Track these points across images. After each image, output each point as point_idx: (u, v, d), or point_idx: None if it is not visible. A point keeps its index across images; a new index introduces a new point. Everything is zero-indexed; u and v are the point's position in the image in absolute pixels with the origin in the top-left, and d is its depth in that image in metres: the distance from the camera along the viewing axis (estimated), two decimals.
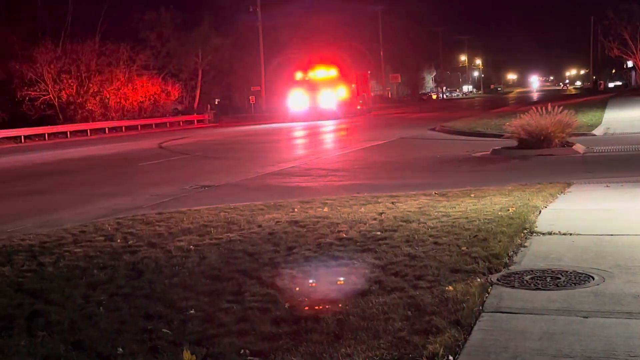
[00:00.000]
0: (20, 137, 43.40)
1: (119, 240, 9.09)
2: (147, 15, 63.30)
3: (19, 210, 13.83)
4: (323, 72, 56.41)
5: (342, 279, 6.61)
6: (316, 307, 5.77)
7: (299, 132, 39.95)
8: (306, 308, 5.78)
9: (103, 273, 7.34)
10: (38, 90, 51.25)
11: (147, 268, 7.46)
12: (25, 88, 50.66)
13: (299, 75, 56.70)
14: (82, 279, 7.12)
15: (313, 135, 36.62)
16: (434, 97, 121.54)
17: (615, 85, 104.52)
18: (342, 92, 56.43)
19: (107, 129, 50.89)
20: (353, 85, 59.39)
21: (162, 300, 6.23)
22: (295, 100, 55.17)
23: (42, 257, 8.28)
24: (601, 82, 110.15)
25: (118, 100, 56.76)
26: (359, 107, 59.42)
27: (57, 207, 13.88)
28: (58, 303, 6.32)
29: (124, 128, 52.48)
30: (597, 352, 4.54)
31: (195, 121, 62.47)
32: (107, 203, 14.10)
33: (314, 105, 54.32)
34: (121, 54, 56.89)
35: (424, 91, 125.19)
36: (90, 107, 54.04)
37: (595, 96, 68.08)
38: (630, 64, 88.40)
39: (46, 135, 45.27)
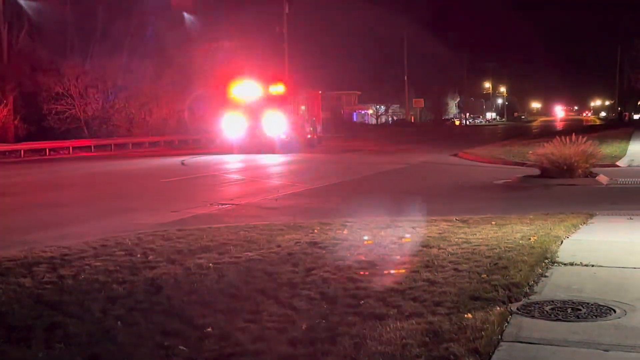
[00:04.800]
0: (45, 149, 43.83)
1: (139, 255, 9.12)
2: (173, 33, 63.91)
3: (41, 222, 13.94)
4: (257, 92, 40.90)
5: (359, 301, 6.59)
6: (333, 330, 5.75)
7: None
8: (323, 330, 5.76)
9: (122, 287, 7.38)
10: (64, 104, 51.79)
11: (166, 284, 7.48)
12: (52, 101, 51.24)
13: (227, 97, 41.61)
14: (101, 293, 7.15)
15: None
16: (457, 123, 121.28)
17: None
18: (283, 118, 40.35)
19: (130, 145, 51.24)
20: (303, 108, 45.12)
21: (179, 316, 6.25)
22: (229, 127, 40.40)
23: (63, 270, 8.32)
24: (626, 113, 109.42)
25: (143, 116, 57.21)
26: (309, 137, 44.77)
27: (79, 220, 13.97)
28: (76, 316, 6.35)
29: (147, 144, 52.84)
30: None
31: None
32: (129, 218, 14.18)
33: (252, 134, 39.53)
34: (147, 70, 57.42)
35: (447, 117, 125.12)
36: (115, 123, 54.55)
37: (620, 127, 67.54)
38: None
39: (70, 148, 45.64)
